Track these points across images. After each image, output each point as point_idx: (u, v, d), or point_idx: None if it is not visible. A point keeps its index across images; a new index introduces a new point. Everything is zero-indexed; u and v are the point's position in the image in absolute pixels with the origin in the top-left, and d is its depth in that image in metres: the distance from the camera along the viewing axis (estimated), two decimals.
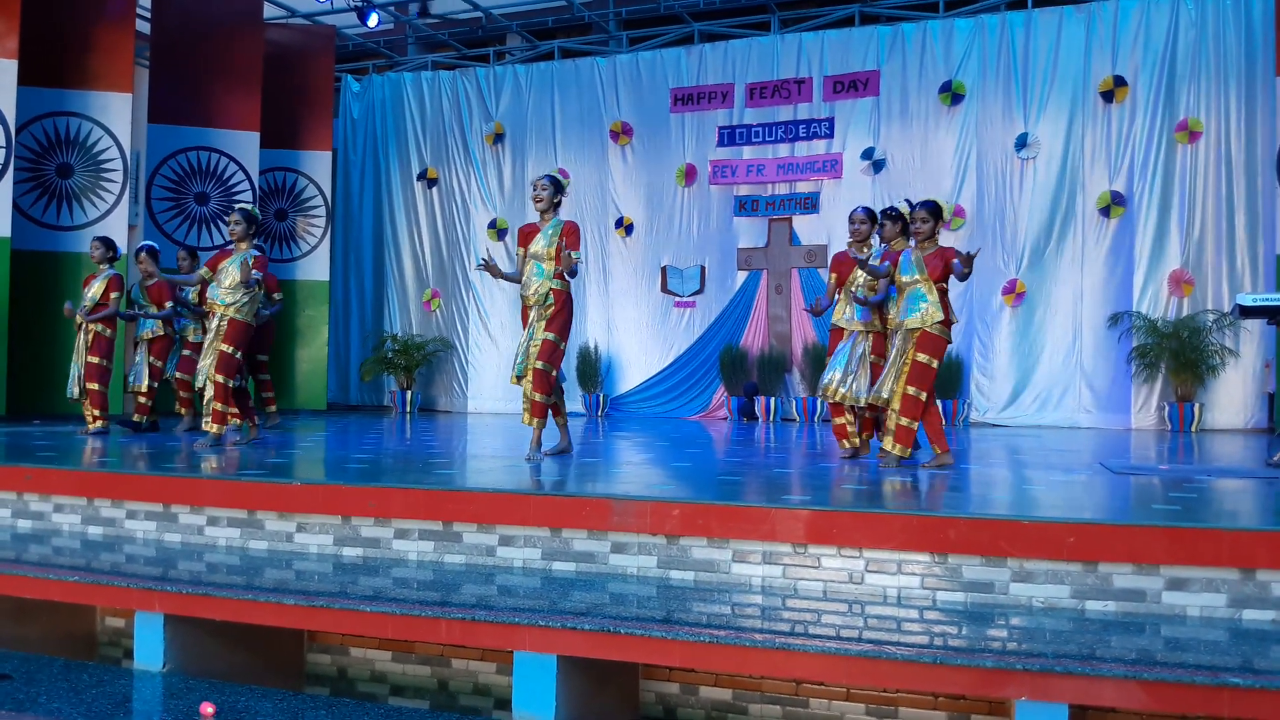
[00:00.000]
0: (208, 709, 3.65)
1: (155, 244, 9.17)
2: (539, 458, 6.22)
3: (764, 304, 13.48)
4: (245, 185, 12.65)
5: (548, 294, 6.14)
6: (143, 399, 8.85)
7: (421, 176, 15.39)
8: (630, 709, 4.26)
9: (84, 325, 8.34)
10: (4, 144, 10.44)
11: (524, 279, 6.27)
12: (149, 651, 4.27)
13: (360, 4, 13.45)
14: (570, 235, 6.15)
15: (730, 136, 13.70)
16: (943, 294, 5.90)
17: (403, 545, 4.70)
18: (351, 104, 15.83)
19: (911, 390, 5.83)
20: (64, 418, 10.02)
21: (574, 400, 13.95)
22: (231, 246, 7.20)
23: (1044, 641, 3.39)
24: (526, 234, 6.37)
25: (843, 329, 6.70)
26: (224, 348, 6.89)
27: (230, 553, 4.92)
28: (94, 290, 8.39)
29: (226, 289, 6.94)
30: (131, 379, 8.91)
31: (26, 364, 10.63)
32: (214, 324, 7.00)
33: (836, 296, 6.89)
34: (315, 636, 4.83)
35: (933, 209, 5.99)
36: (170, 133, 12.49)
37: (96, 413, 8.33)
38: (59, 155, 11.38)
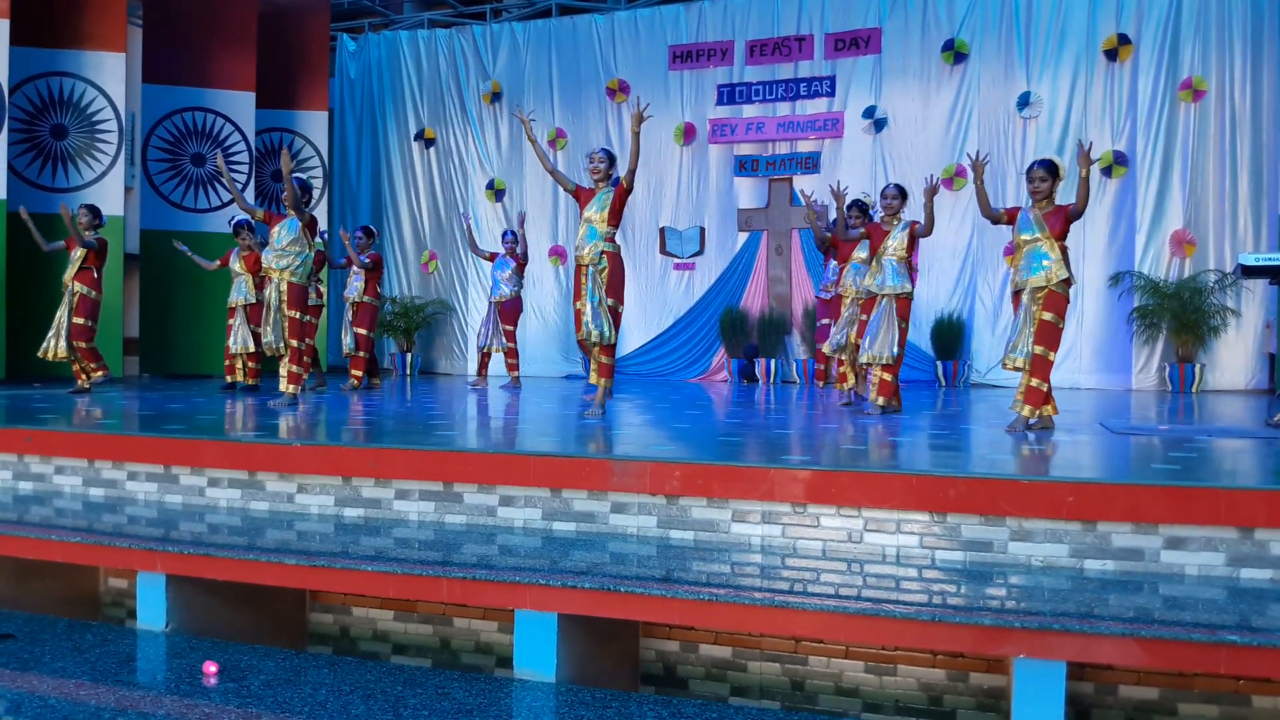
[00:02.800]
0: (210, 668, 3.68)
1: (248, 220, 9.25)
2: (600, 413, 6.66)
3: (764, 265, 13.43)
4: (241, 146, 12.55)
5: (600, 255, 6.51)
6: (252, 363, 9.39)
7: (419, 136, 15.27)
8: (630, 666, 4.30)
9: (69, 287, 8.54)
10: None
11: (578, 240, 6.64)
12: (152, 611, 4.30)
13: None
14: (619, 196, 6.52)
15: (730, 95, 13.57)
16: (1064, 252, 5.86)
17: (403, 505, 4.72)
18: (348, 63, 15.67)
19: (1039, 350, 5.85)
20: (64, 380, 10.01)
21: (574, 363, 13.96)
22: (285, 212, 7.60)
23: (1042, 600, 3.41)
24: (583, 198, 6.70)
25: (876, 295, 7.24)
26: (292, 314, 7.43)
27: (231, 514, 4.94)
28: (78, 253, 8.55)
29: (279, 251, 7.40)
30: (233, 344, 9.34)
31: (25, 326, 10.60)
32: (271, 290, 7.48)
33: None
34: (317, 596, 4.86)
35: (1050, 167, 5.94)
36: (165, 93, 12.37)
37: (93, 365, 8.59)
38: (53, 116, 11.28)
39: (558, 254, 14.21)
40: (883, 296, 7.16)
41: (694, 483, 4.22)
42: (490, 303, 10.70)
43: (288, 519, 4.80)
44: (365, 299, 9.86)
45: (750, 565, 3.89)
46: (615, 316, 6.59)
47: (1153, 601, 3.42)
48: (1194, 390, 11.19)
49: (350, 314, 9.92)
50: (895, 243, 7.19)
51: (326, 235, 10.99)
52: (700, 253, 13.76)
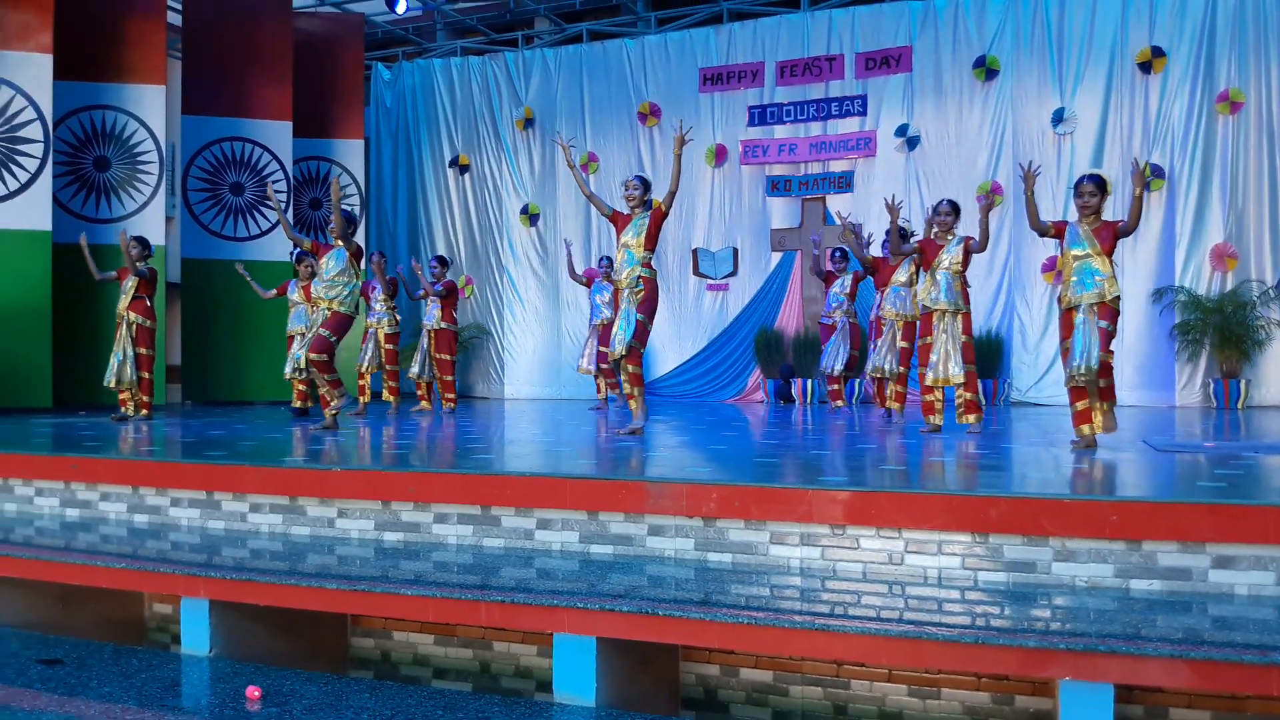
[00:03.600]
0: (254, 692, 3.71)
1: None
2: (640, 427, 6.82)
3: (798, 285, 13.40)
4: (280, 175, 12.74)
5: (637, 280, 6.67)
6: (302, 386, 9.76)
7: (453, 163, 15.44)
8: (670, 690, 4.28)
9: (124, 317, 8.70)
10: (42, 138, 10.58)
11: (616, 264, 6.83)
12: (195, 636, 4.34)
13: None
14: (655, 220, 6.66)
15: (761, 116, 13.60)
16: (1113, 267, 5.87)
17: (442, 529, 4.73)
18: (383, 92, 15.89)
19: (1105, 356, 5.86)
20: (109, 408, 10.17)
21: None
22: (332, 242, 7.70)
23: (1088, 621, 3.36)
24: (620, 224, 6.83)
25: (931, 310, 7.18)
26: (323, 332, 7.49)
27: (273, 539, 4.98)
28: (130, 283, 8.72)
29: (327, 282, 7.50)
30: (288, 369, 9.63)
31: (70, 356, 10.81)
32: (317, 314, 7.63)
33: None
34: (358, 620, 4.89)
35: (1099, 182, 5.95)
36: (204, 124, 12.61)
37: (145, 398, 8.78)
38: (96, 148, 11.52)
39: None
40: (941, 313, 7.11)
41: (731, 505, 4.20)
42: (592, 326, 11.29)
43: (328, 544, 4.84)
44: (443, 325, 10.20)
45: (789, 588, 3.87)
46: (641, 330, 6.68)
47: (1201, 622, 3.36)
48: (1239, 406, 11.01)
49: (429, 342, 10.27)
50: (950, 258, 7.14)
51: (403, 270, 11.37)
52: (734, 273, 13.76)
